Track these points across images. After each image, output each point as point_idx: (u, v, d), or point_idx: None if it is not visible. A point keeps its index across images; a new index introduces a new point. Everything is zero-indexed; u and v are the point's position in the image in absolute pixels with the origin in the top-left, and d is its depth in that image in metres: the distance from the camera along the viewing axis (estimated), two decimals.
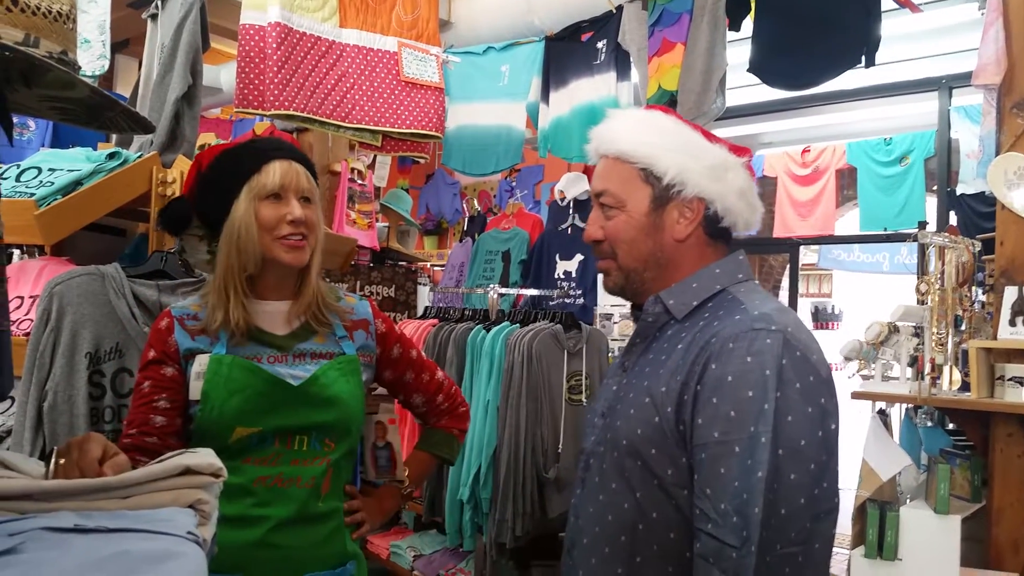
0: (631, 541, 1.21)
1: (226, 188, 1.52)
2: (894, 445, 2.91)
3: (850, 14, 3.15)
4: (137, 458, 1.12)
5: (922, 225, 4.64)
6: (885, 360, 3.19)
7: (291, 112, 3.07)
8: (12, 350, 1.02)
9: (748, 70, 3.41)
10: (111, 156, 2.24)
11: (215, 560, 0.91)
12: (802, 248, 7.41)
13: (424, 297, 4.82)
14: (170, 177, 2.25)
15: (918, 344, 3.02)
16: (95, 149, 2.39)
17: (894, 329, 3.13)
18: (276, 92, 3.02)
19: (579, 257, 4.42)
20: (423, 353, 1.83)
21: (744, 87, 4.60)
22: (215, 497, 0.98)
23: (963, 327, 2.88)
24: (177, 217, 1.75)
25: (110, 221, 2.41)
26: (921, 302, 2.89)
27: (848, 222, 7.79)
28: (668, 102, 3.39)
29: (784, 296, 7.94)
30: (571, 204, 4.55)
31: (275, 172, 1.51)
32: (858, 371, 3.24)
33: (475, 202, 6.72)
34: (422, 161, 4.29)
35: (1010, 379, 2.57)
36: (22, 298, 2.15)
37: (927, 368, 2.75)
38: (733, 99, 3.83)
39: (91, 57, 3.45)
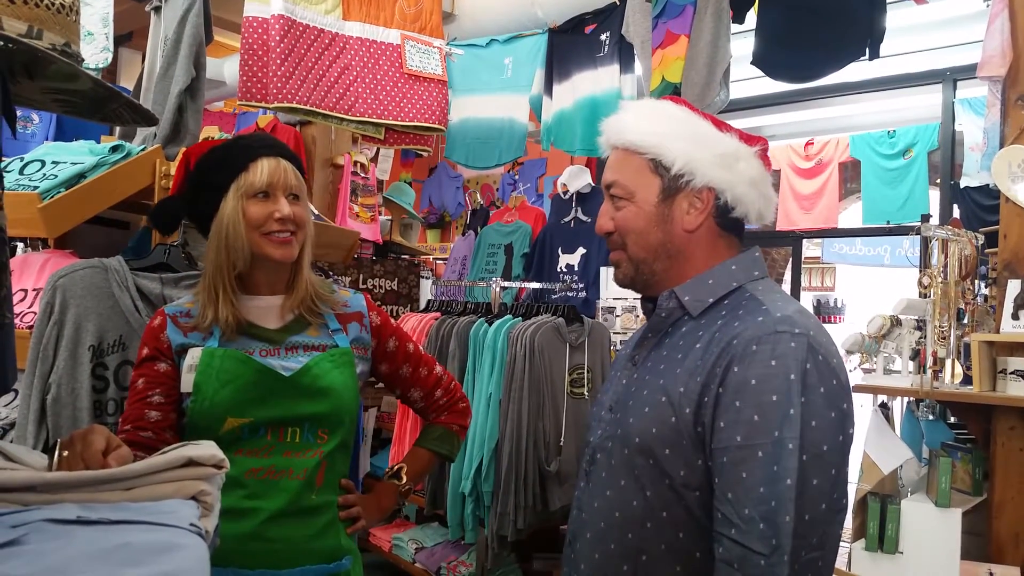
0: (638, 539, 1.20)
1: (214, 186, 1.53)
2: (895, 438, 2.92)
3: (854, 6, 3.15)
4: (134, 453, 1.13)
5: (925, 218, 4.63)
6: (887, 353, 3.18)
7: (294, 105, 3.07)
8: (15, 343, 1.02)
9: (752, 62, 3.41)
10: (114, 149, 2.24)
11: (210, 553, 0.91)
12: (805, 241, 7.38)
13: (427, 290, 4.83)
14: (173, 170, 2.25)
15: (920, 337, 3.02)
16: (98, 142, 2.39)
17: (896, 322, 3.13)
18: (279, 85, 3.02)
19: (581, 250, 4.42)
20: (421, 348, 1.83)
21: (747, 80, 4.59)
22: (217, 488, 0.98)
23: (965, 320, 2.88)
24: (167, 216, 1.75)
25: (113, 214, 2.41)
26: (923, 295, 2.89)
27: (851, 215, 7.78)
28: (672, 94, 3.38)
29: (786, 289, 7.93)
30: (574, 197, 4.55)
31: (263, 170, 1.51)
32: (860, 364, 3.23)
33: (478, 195, 6.72)
34: (425, 154, 4.30)
35: (1012, 372, 2.57)
36: (25, 291, 2.16)
37: (929, 361, 2.75)
38: (737, 92, 3.82)
39: (94, 50, 3.45)
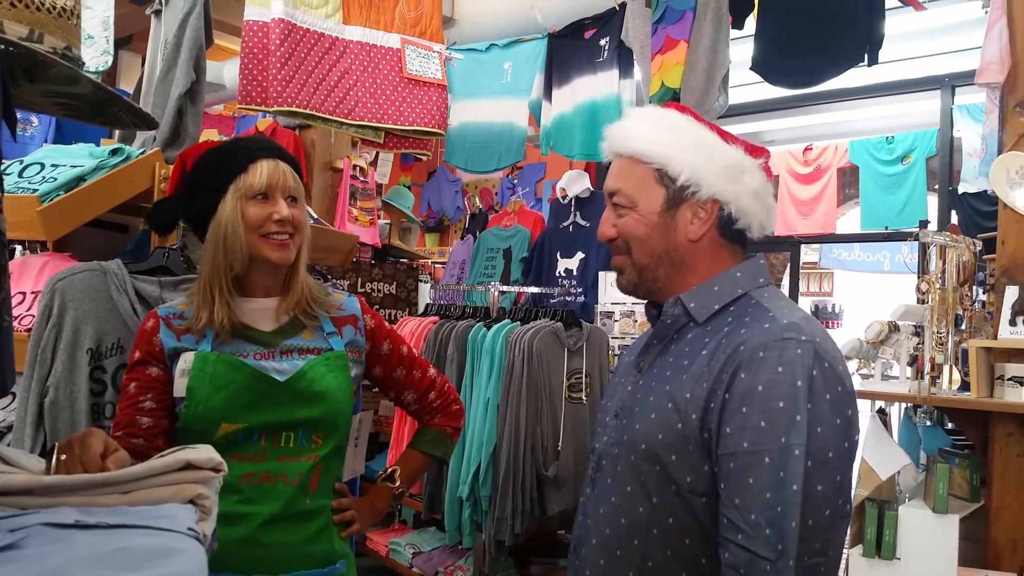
0: (644, 545, 1.20)
1: (212, 187, 1.52)
2: (893, 444, 2.92)
3: (853, 12, 3.15)
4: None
5: (923, 224, 4.64)
6: (885, 359, 3.19)
7: (294, 109, 3.07)
8: (14, 346, 1.02)
9: (751, 68, 3.41)
10: (114, 152, 2.24)
11: None
12: (803, 247, 7.40)
13: (425, 294, 4.83)
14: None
15: (918, 343, 3.02)
16: (98, 145, 2.38)
17: (894, 328, 3.13)
18: (279, 89, 3.02)
19: (580, 255, 4.42)
20: (420, 352, 1.83)
21: (747, 85, 4.61)
22: (215, 492, 0.98)
23: (963, 326, 2.88)
24: (163, 217, 1.75)
25: (112, 217, 2.41)
26: (921, 301, 2.89)
27: (849, 221, 7.78)
28: (671, 100, 3.39)
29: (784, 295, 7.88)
30: (573, 202, 4.55)
31: (262, 172, 1.51)
32: (858, 370, 3.24)
33: (477, 199, 6.72)
34: (424, 158, 4.31)
35: (1010, 379, 2.57)
36: (24, 294, 2.15)
37: (927, 367, 2.75)
38: (736, 97, 3.82)
39: (95, 53, 3.45)
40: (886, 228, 6.44)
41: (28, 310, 2.10)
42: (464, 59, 4.19)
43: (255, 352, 1.53)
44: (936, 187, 5.97)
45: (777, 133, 7.00)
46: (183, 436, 1.47)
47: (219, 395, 1.46)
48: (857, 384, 3.09)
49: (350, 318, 1.66)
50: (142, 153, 2.27)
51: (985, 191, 4.87)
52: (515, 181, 7.43)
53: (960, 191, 5.45)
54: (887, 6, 3.16)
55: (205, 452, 0.97)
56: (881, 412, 3.31)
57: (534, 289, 3.94)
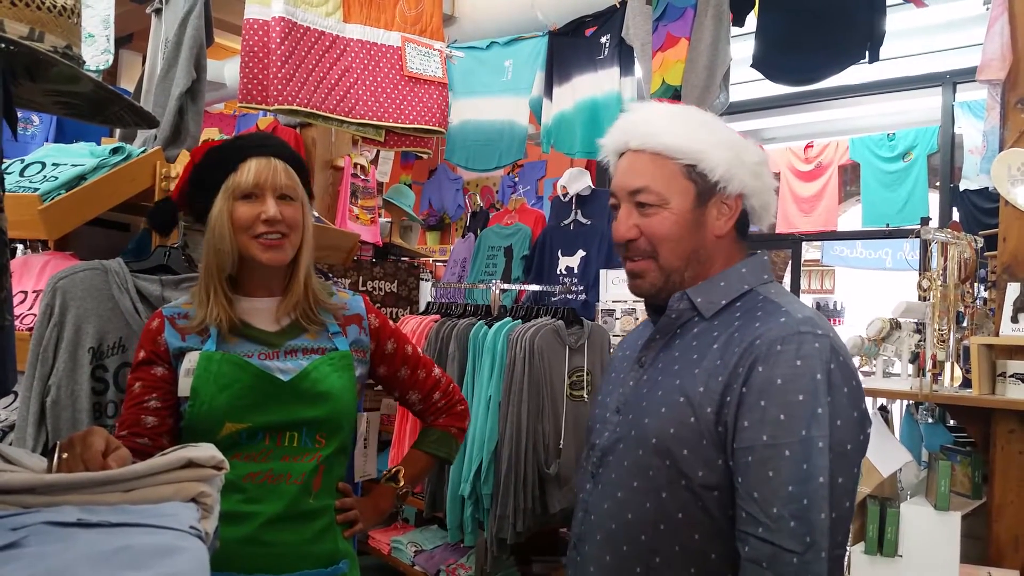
0: (652, 540, 1.20)
1: (207, 186, 1.52)
2: (895, 441, 2.92)
3: (854, 9, 3.15)
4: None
5: (925, 221, 4.63)
6: (886, 356, 3.19)
7: (294, 107, 3.07)
8: (15, 345, 1.02)
9: (752, 65, 3.41)
10: (115, 151, 2.24)
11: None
12: (804, 244, 7.39)
13: (426, 293, 4.83)
14: (173, 172, 2.25)
15: (920, 340, 3.02)
16: (99, 144, 2.39)
17: (896, 325, 3.13)
18: (280, 87, 3.02)
19: (581, 253, 4.42)
20: (420, 351, 1.82)
21: (747, 82, 4.60)
22: (217, 490, 0.98)
23: (965, 323, 2.88)
24: (163, 216, 1.75)
25: (114, 216, 2.41)
26: (923, 298, 2.89)
27: (851, 218, 7.78)
28: (671, 97, 3.39)
29: None
30: (573, 200, 4.55)
31: (250, 171, 1.50)
32: (859, 367, 3.24)
33: (477, 198, 6.72)
34: (425, 156, 4.30)
35: (1011, 376, 2.57)
36: (25, 293, 2.16)
37: (928, 364, 2.75)
38: (736, 94, 3.82)
39: (95, 52, 3.45)
40: (887, 225, 6.44)
41: (29, 309, 2.10)
42: (465, 57, 4.19)
43: (259, 352, 1.53)
44: (937, 184, 5.97)
45: (778, 130, 6.99)
46: (187, 435, 1.47)
47: (223, 395, 1.46)
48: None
49: (355, 317, 1.65)
50: (143, 152, 2.27)
51: (986, 188, 4.86)
52: (516, 179, 7.42)
53: (961, 188, 5.44)
54: (888, 3, 3.15)
55: (207, 450, 0.97)
56: (883, 409, 3.31)
57: (535, 287, 3.94)
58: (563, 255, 4.50)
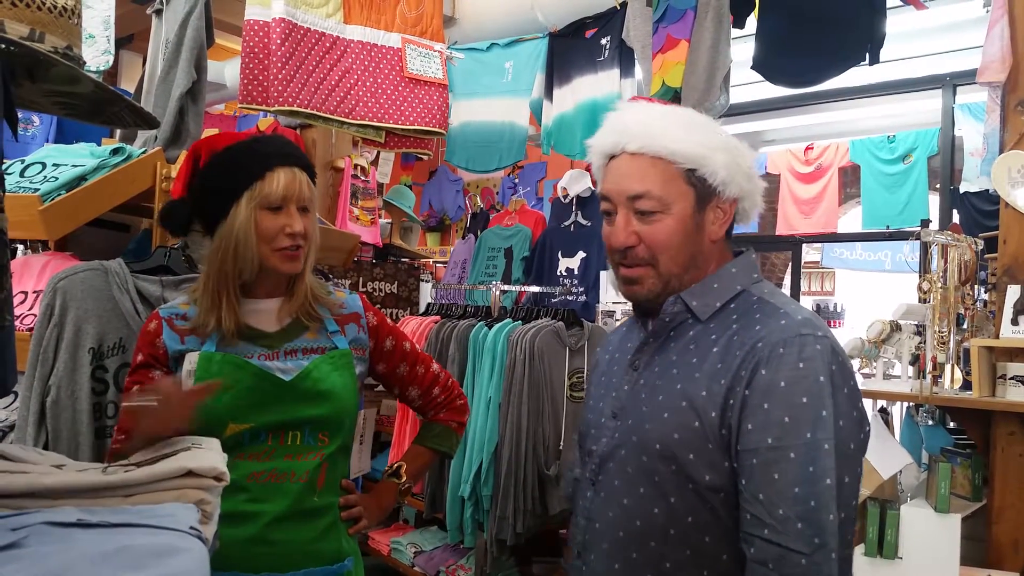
0: (662, 546, 1.19)
1: (227, 190, 1.49)
2: (895, 443, 2.91)
3: (854, 11, 3.15)
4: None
5: (925, 223, 4.63)
6: (887, 358, 3.18)
7: (295, 108, 3.07)
8: (16, 345, 1.02)
9: (752, 67, 3.41)
10: (115, 152, 2.24)
11: (211, 557, 0.91)
12: (804, 246, 7.39)
13: (426, 294, 4.82)
14: (174, 173, 2.25)
15: (920, 342, 3.01)
16: (99, 144, 2.39)
17: (896, 327, 3.13)
18: (280, 88, 3.02)
19: (581, 254, 4.42)
20: (418, 348, 1.83)
21: (748, 84, 4.59)
22: (217, 497, 0.98)
23: (965, 325, 2.87)
24: (177, 219, 1.75)
25: (114, 217, 2.41)
26: (923, 300, 2.89)
27: (851, 220, 7.78)
28: (672, 99, 3.39)
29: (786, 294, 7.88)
30: (574, 201, 4.55)
31: (279, 182, 1.48)
32: (859, 369, 3.24)
33: (478, 199, 6.72)
34: (425, 158, 4.30)
35: (1012, 378, 2.57)
36: (26, 293, 2.16)
37: (928, 366, 2.75)
38: (737, 96, 3.82)
39: (96, 52, 3.46)
40: (887, 227, 6.44)
41: (30, 310, 2.10)
42: (465, 58, 4.19)
43: (260, 353, 1.53)
44: (937, 186, 5.97)
45: (778, 132, 6.99)
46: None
47: (226, 395, 1.45)
48: (859, 383, 3.08)
49: (353, 316, 1.66)
50: (143, 152, 2.28)
51: (987, 190, 4.86)
52: (516, 180, 7.43)
53: (962, 190, 5.44)
54: (888, 5, 3.15)
55: (208, 459, 0.97)
56: (883, 411, 3.30)
57: (535, 288, 3.94)
58: (563, 256, 4.50)
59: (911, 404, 3.16)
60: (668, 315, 1.27)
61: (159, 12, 2.80)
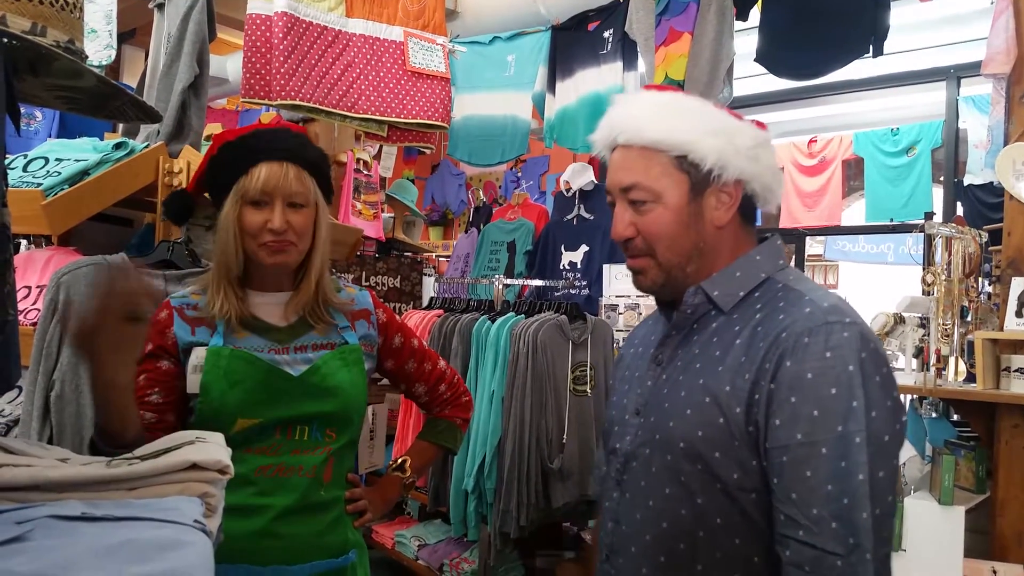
0: (691, 549, 1.15)
1: (220, 184, 1.52)
2: None
3: (858, 3, 3.14)
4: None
5: (929, 216, 4.62)
6: (891, 351, 3.18)
7: (297, 102, 3.06)
8: (19, 340, 1.02)
9: (755, 60, 3.40)
10: (118, 146, 2.24)
11: (219, 549, 0.91)
12: (808, 239, 7.37)
13: (429, 288, 4.83)
14: (177, 167, 2.24)
15: (924, 335, 3.01)
16: (102, 139, 2.38)
17: (900, 320, 3.13)
18: (282, 82, 3.02)
19: (584, 248, 4.42)
20: (424, 343, 1.83)
21: (751, 77, 4.59)
22: (221, 490, 0.98)
23: (969, 318, 2.87)
24: (179, 209, 1.75)
25: (117, 211, 2.41)
26: (927, 293, 2.89)
27: (854, 213, 7.75)
28: None
29: None
30: (576, 195, 4.55)
31: (260, 177, 1.47)
32: None
33: (480, 193, 6.71)
34: (428, 152, 4.29)
35: (1016, 370, 2.56)
36: (29, 288, 2.16)
37: (932, 359, 2.74)
38: (740, 89, 3.82)
39: (98, 47, 3.46)
40: (891, 220, 6.42)
41: (33, 304, 2.10)
42: (467, 52, 4.18)
43: (269, 347, 1.53)
44: (941, 179, 5.95)
45: (781, 125, 6.97)
46: (199, 429, 1.47)
47: (234, 391, 1.46)
48: None
49: (363, 312, 1.66)
50: (146, 147, 2.27)
51: (991, 182, 4.84)
52: (519, 174, 7.41)
53: (966, 183, 5.43)
54: None
55: (212, 453, 0.97)
56: None
57: (538, 282, 3.94)
58: (566, 250, 4.50)
59: (915, 396, 3.16)
60: (689, 307, 1.23)
61: (161, 6, 2.80)
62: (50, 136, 4.48)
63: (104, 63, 3.53)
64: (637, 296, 3.71)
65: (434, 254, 6.49)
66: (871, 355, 1.08)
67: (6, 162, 0.96)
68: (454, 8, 4.22)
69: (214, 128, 4.19)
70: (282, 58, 3.02)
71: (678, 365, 1.22)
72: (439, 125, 3.43)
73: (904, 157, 6.32)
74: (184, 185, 2.20)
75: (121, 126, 2.64)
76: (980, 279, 2.97)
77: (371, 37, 3.30)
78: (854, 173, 7.34)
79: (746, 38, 3.54)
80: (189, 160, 2.26)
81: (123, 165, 2.18)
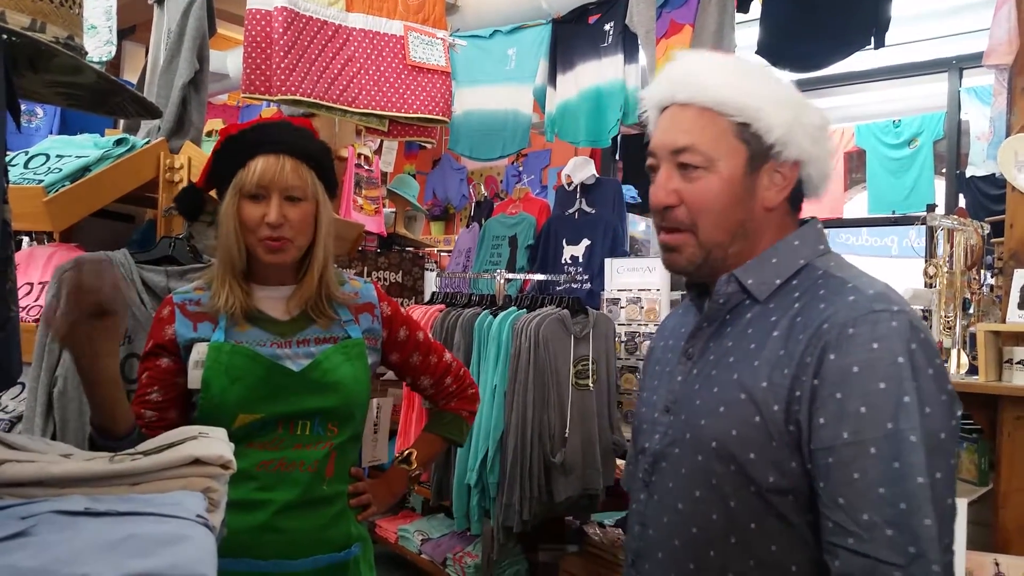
0: (722, 555, 1.07)
1: (220, 177, 1.53)
2: None
3: None
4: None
5: (931, 208, 4.62)
6: None
7: (298, 97, 3.06)
8: (22, 336, 1.02)
9: (756, 52, 3.40)
10: (119, 142, 2.24)
11: (222, 544, 0.92)
12: None
13: (431, 283, 4.83)
14: (177, 163, 2.25)
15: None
16: (102, 135, 2.39)
17: None
18: (283, 77, 3.01)
19: (586, 242, 4.41)
20: (431, 337, 1.83)
21: None
22: (224, 484, 0.98)
23: (971, 310, 2.87)
24: (190, 204, 1.76)
25: (118, 207, 2.41)
26: (929, 285, 2.88)
27: (856, 205, 7.74)
28: None
29: None
30: (578, 189, 4.54)
31: (256, 170, 1.47)
32: None
33: (482, 187, 6.71)
34: (429, 146, 4.29)
35: (1018, 362, 2.56)
36: (31, 284, 2.16)
37: None
38: None
39: (98, 43, 3.45)
40: (893, 212, 6.41)
41: (35, 301, 2.10)
42: (467, 46, 4.17)
43: (270, 341, 1.53)
44: (943, 171, 5.94)
45: None
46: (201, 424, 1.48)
47: (236, 386, 1.46)
48: None
49: (367, 306, 1.66)
50: (147, 143, 2.27)
51: (993, 174, 4.83)
52: (520, 168, 7.41)
53: (968, 174, 5.42)
54: None
55: (214, 448, 0.97)
56: None
57: (540, 276, 3.94)
58: (568, 244, 4.49)
59: None
60: (722, 296, 1.14)
61: (161, 2, 2.79)
62: (51, 133, 4.48)
63: (104, 59, 3.53)
64: (639, 290, 3.71)
65: (436, 249, 6.49)
66: (922, 345, 1.00)
67: (7, 159, 0.96)
68: (454, 2, 4.21)
69: (215, 124, 4.19)
70: (282, 53, 3.02)
71: (710, 359, 1.15)
72: (440, 119, 3.43)
73: (906, 149, 6.30)
74: (184, 181, 2.20)
75: (122, 122, 2.64)
76: (982, 271, 2.96)
77: (371, 31, 3.30)
78: (856, 165, 7.33)
79: (747, 30, 3.54)
80: (190, 156, 2.26)
81: (124, 161, 2.18)
